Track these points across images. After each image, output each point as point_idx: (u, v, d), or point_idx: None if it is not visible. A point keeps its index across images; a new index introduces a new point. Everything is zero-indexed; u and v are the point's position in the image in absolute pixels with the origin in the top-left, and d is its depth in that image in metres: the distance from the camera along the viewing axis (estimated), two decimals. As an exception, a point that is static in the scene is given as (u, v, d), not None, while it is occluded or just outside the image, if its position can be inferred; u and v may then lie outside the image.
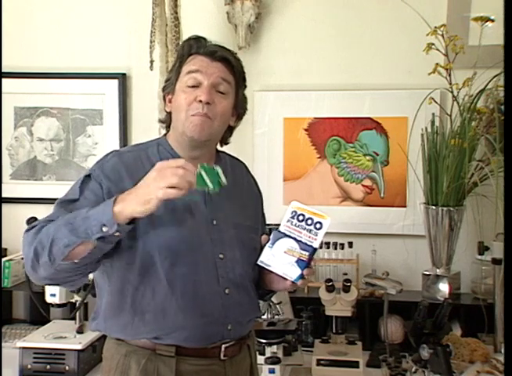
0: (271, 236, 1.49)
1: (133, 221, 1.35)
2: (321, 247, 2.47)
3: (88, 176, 1.49)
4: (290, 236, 1.47)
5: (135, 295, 1.47)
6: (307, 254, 1.45)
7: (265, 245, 1.49)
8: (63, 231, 1.33)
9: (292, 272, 1.46)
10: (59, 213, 1.43)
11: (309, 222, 1.47)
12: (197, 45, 1.55)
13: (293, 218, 1.48)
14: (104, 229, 1.31)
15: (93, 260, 1.40)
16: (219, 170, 1.39)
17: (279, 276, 1.49)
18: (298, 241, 1.47)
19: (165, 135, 1.63)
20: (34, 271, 1.40)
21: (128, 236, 1.44)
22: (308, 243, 1.46)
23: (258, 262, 1.48)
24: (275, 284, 1.56)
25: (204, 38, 1.58)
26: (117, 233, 1.33)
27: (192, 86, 1.51)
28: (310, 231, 1.47)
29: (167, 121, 1.62)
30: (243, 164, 1.75)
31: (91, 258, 1.38)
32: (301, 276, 1.46)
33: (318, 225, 1.47)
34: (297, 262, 1.46)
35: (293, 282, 1.47)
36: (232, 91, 1.56)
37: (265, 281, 1.59)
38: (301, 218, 1.48)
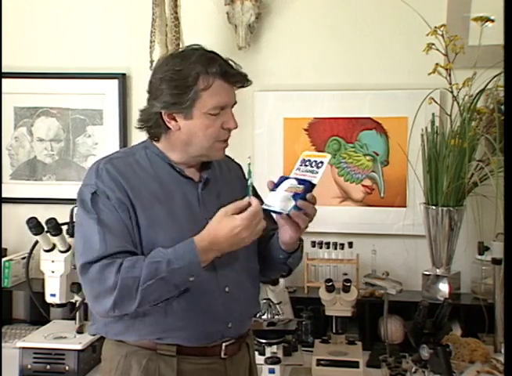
0: (276, 181, 1.52)
1: None
2: (321, 248, 2.47)
3: (94, 193, 1.47)
4: (294, 178, 1.51)
5: None
6: (302, 187, 1.48)
7: (271, 191, 1.51)
8: (152, 287, 1.39)
9: (287, 205, 1.47)
10: (107, 238, 1.43)
11: (313, 164, 1.52)
12: (221, 69, 1.47)
13: (301, 165, 1.53)
14: (191, 279, 1.41)
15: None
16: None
17: (282, 224, 1.52)
18: (299, 180, 1.50)
19: (150, 138, 1.60)
20: (107, 313, 1.43)
21: (133, 247, 1.46)
22: (307, 179, 1.49)
23: (263, 207, 1.47)
24: (283, 237, 1.55)
25: (214, 57, 1.50)
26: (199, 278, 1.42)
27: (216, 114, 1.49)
28: (312, 171, 1.51)
29: (156, 133, 1.56)
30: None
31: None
32: (295, 208, 1.46)
33: (319, 164, 1.51)
34: (293, 196, 1.48)
35: (288, 215, 1.47)
36: None
37: (279, 243, 1.58)
38: (307, 163, 1.53)
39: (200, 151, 1.53)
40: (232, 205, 1.42)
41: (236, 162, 1.75)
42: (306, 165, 1.52)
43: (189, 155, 1.55)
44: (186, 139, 1.51)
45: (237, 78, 1.50)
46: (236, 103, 1.54)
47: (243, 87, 1.55)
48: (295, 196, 1.47)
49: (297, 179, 1.50)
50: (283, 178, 1.52)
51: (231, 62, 1.52)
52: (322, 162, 1.51)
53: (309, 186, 1.48)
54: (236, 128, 1.52)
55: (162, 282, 1.39)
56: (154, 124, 1.54)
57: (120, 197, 1.46)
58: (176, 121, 1.50)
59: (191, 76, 1.45)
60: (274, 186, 1.50)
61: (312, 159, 1.52)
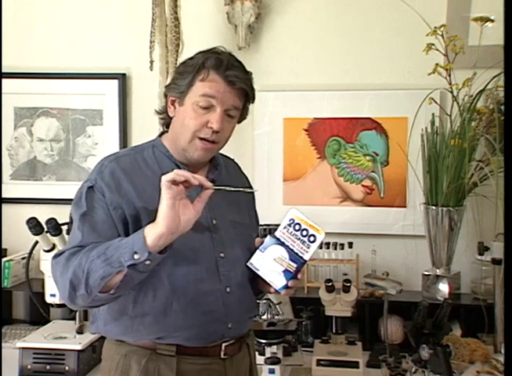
0: (265, 240, 1.51)
1: (165, 250, 1.35)
2: (321, 248, 2.47)
3: (90, 188, 1.48)
4: (283, 244, 1.49)
5: (137, 298, 1.47)
6: (295, 266, 1.47)
7: (257, 248, 1.51)
8: (97, 263, 1.34)
9: (277, 281, 1.48)
10: (84, 231, 1.43)
11: (304, 233, 1.49)
12: (217, 64, 1.50)
13: (289, 225, 1.50)
14: (136, 256, 1.32)
15: (127, 289, 1.41)
16: None
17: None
18: (290, 250, 1.48)
19: (160, 135, 1.63)
20: (71, 302, 1.42)
21: None
22: (299, 254, 1.48)
23: (248, 264, 1.50)
24: (261, 286, 1.58)
25: (224, 55, 1.54)
26: (148, 262, 1.33)
27: (204, 108, 1.50)
28: (303, 242, 1.48)
29: (166, 120, 1.61)
30: (236, 163, 1.77)
31: (125, 288, 1.38)
32: (286, 287, 1.48)
33: (312, 238, 1.48)
34: (284, 271, 1.48)
35: (276, 290, 1.50)
36: (239, 113, 1.58)
37: (257, 281, 1.59)
38: (297, 227, 1.49)
39: (183, 144, 1.52)
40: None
41: (230, 158, 1.76)
42: (296, 229, 1.49)
43: (179, 151, 1.55)
44: (177, 128, 1.54)
45: (231, 73, 1.51)
46: (237, 110, 1.55)
47: (248, 95, 1.59)
48: (286, 273, 1.47)
49: (287, 248, 1.48)
50: (273, 241, 1.50)
51: (237, 63, 1.55)
52: (314, 237, 1.48)
53: (301, 264, 1.48)
54: (217, 130, 1.49)
55: (106, 256, 1.34)
56: (165, 112, 1.60)
57: (117, 197, 1.47)
58: (175, 107, 1.55)
59: (192, 65, 1.52)
60: (262, 246, 1.50)
61: (303, 226, 1.49)
